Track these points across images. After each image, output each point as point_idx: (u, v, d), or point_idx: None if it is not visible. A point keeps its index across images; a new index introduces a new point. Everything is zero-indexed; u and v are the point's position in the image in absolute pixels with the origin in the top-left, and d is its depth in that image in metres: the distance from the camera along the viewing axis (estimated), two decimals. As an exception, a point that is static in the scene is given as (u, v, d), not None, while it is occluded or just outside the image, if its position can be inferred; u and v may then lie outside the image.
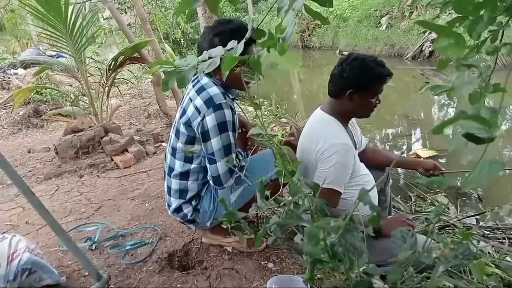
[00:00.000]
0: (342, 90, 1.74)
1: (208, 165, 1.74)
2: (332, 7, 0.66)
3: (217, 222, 1.87)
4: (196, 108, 1.68)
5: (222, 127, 1.67)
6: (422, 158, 3.60)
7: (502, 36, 0.66)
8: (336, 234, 0.66)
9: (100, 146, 3.79)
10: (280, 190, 0.74)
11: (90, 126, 3.94)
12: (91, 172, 3.49)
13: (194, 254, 2.04)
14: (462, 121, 0.51)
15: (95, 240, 2.19)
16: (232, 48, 0.67)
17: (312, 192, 0.70)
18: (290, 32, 0.61)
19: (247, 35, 0.71)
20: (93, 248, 2.14)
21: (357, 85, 1.70)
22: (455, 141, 0.55)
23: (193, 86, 1.76)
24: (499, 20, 0.60)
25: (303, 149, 1.87)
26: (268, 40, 0.58)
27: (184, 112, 1.74)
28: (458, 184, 3.03)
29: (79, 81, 4.44)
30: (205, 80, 1.74)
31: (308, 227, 0.63)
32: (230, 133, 1.70)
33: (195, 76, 1.83)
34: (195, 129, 1.70)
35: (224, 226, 0.78)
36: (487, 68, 0.68)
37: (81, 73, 4.21)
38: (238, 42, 0.67)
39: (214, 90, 1.69)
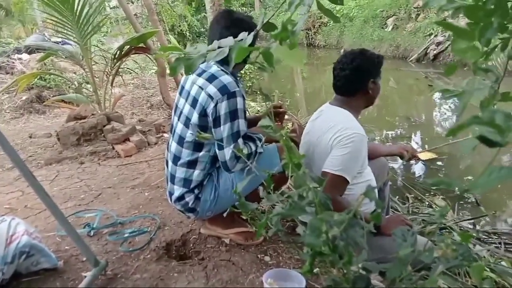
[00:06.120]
0: (363, 83, 1.83)
1: (217, 151, 1.77)
2: (343, 5, 0.66)
3: (217, 213, 1.89)
4: (209, 95, 1.70)
5: (233, 114, 1.71)
6: (421, 161, 3.62)
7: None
8: (339, 227, 0.67)
9: (102, 134, 3.80)
10: (288, 183, 0.76)
11: (92, 114, 3.94)
12: (92, 160, 3.50)
13: (191, 245, 2.05)
14: (477, 125, 0.52)
15: (94, 226, 2.20)
16: (242, 39, 0.68)
17: (317, 186, 0.71)
18: (300, 26, 0.62)
19: (258, 28, 0.72)
20: (92, 235, 2.15)
21: (376, 73, 1.85)
22: (465, 146, 0.55)
23: (198, 75, 1.77)
24: (511, 28, 0.60)
25: (311, 140, 1.91)
26: (282, 32, 0.59)
27: (195, 101, 1.75)
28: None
29: (83, 69, 4.44)
30: (214, 68, 1.76)
31: (311, 219, 0.64)
32: (241, 120, 1.74)
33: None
34: (209, 115, 1.72)
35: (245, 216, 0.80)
36: (497, 76, 0.68)
37: (86, 60, 4.21)
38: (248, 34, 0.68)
39: (227, 78, 1.72)
